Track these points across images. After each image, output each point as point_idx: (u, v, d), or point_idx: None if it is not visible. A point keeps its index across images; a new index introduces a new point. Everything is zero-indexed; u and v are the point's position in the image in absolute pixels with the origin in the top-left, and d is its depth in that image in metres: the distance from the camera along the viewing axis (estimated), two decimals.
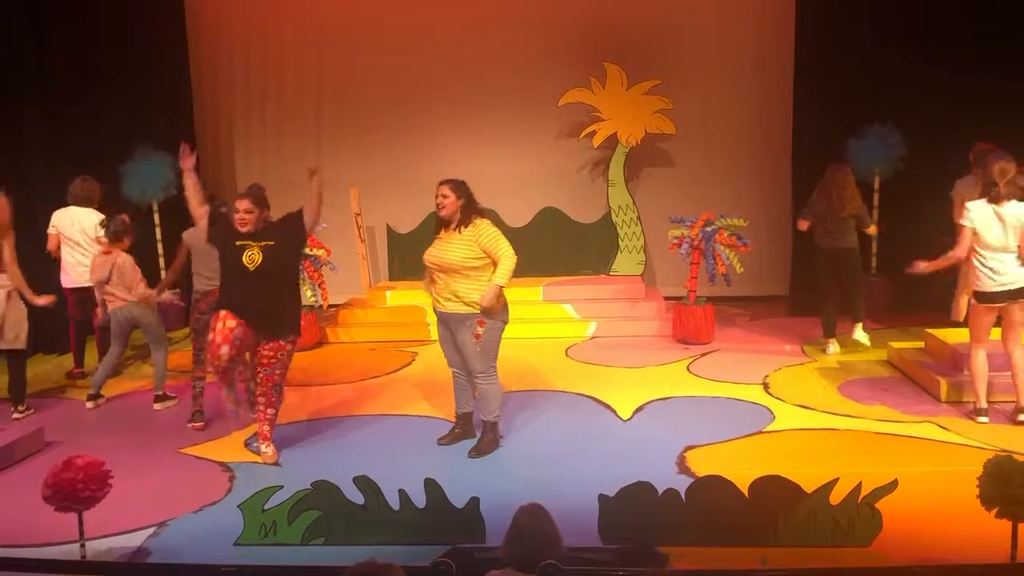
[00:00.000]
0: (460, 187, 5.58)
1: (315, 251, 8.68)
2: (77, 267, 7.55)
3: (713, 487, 4.37)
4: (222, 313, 5.34)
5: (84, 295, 7.51)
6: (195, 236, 6.20)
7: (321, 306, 8.95)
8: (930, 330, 7.23)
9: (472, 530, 4.33)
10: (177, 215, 9.74)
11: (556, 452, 5.72)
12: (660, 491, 4.33)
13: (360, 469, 4.67)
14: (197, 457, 5.82)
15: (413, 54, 10.40)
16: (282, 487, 4.54)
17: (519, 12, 10.32)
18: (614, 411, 6.51)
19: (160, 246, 9.77)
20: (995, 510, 3.88)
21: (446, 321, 5.65)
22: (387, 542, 4.31)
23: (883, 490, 4.23)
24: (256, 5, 10.61)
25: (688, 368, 7.67)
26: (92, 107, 9.27)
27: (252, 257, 5.35)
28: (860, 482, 4.26)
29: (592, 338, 8.92)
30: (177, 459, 5.80)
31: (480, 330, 5.57)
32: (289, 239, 5.52)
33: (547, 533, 3.25)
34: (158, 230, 9.74)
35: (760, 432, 5.98)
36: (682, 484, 4.42)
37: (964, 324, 7.13)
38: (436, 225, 5.67)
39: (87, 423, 6.70)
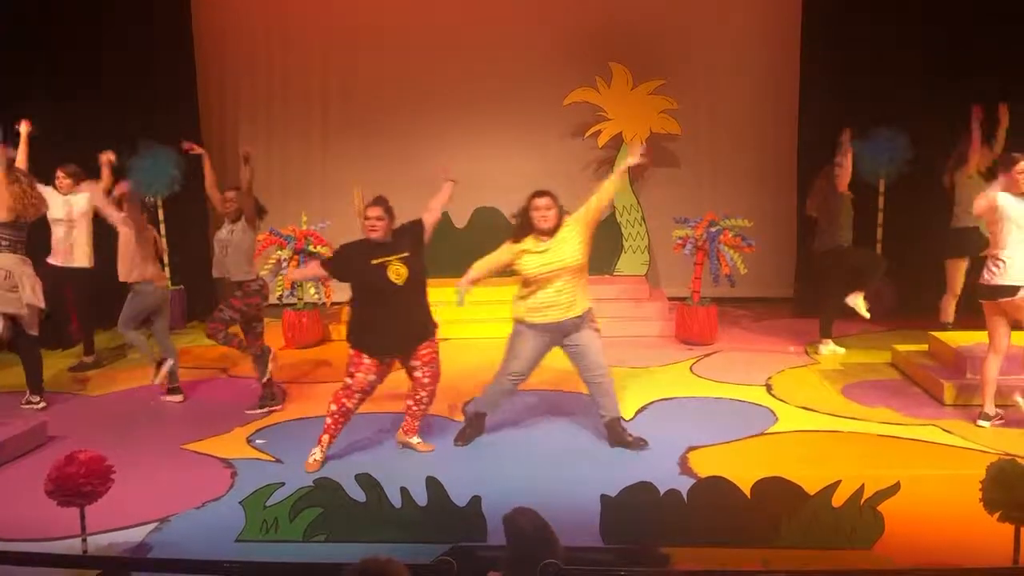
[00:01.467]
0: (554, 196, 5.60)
1: (318, 248, 8.69)
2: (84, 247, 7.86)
3: (715, 488, 4.37)
4: (366, 362, 5.39)
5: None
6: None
7: (324, 303, 8.96)
8: (934, 333, 7.21)
9: (474, 529, 4.33)
10: (181, 210, 9.80)
11: (558, 452, 5.72)
12: (662, 492, 4.33)
13: (362, 467, 4.68)
14: (199, 453, 5.82)
15: (418, 54, 10.39)
16: (284, 484, 4.56)
17: (524, 12, 10.31)
18: None
19: (164, 240, 9.77)
20: (998, 514, 3.87)
21: (567, 329, 5.60)
22: (388, 540, 4.30)
23: (885, 493, 4.23)
24: (262, 5, 10.60)
25: (691, 369, 7.67)
26: (98, 104, 9.28)
27: (399, 272, 5.29)
28: (863, 485, 4.25)
29: None
30: (179, 455, 5.81)
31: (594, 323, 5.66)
32: (418, 248, 5.46)
33: (544, 534, 3.25)
34: (162, 226, 9.75)
35: (763, 433, 5.97)
36: (684, 485, 4.42)
37: (953, 327, 7.19)
38: (516, 236, 5.63)
39: (90, 418, 6.70)
